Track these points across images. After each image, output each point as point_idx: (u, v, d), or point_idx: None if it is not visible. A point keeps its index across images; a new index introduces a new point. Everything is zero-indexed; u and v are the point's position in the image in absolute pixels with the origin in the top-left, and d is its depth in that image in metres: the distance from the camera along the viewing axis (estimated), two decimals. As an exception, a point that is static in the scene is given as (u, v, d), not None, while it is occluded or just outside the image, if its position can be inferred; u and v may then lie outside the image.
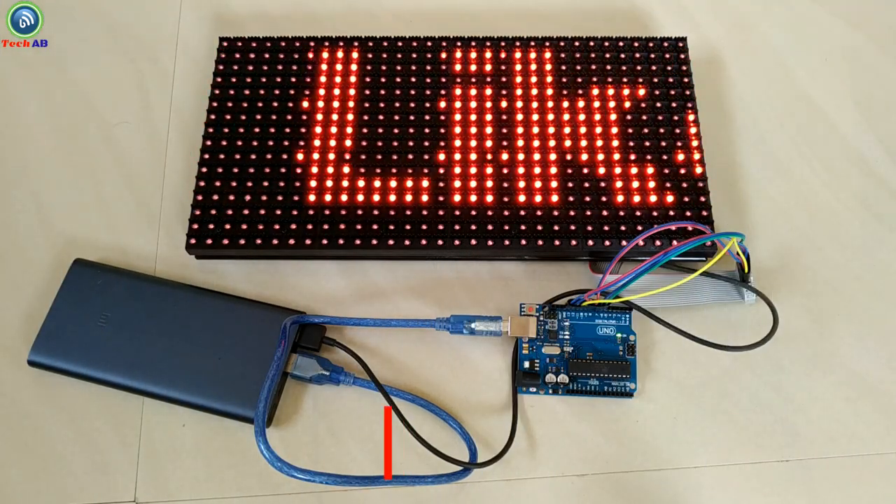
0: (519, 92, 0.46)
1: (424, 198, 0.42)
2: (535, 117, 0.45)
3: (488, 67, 0.46)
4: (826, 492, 0.38)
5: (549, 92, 0.45)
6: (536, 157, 0.44)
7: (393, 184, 0.43)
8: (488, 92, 0.46)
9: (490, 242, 0.41)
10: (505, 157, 0.44)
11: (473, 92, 0.46)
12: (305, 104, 0.45)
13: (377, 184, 0.43)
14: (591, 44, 0.47)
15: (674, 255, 0.37)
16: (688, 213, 0.42)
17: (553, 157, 0.44)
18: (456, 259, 0.43)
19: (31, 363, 0.39)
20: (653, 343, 0.41)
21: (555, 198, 0.42)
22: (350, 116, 0.45)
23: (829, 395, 0.40)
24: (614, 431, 0.39)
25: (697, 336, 0.38)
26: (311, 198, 0.42)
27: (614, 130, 0.44)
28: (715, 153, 0.46)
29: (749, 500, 0.38)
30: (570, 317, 0.40)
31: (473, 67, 0.46)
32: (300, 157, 0.44)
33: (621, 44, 0.47)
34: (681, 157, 0.44)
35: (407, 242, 0.41)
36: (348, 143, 0.44)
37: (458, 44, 0.47)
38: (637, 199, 0.42)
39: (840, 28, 0.52)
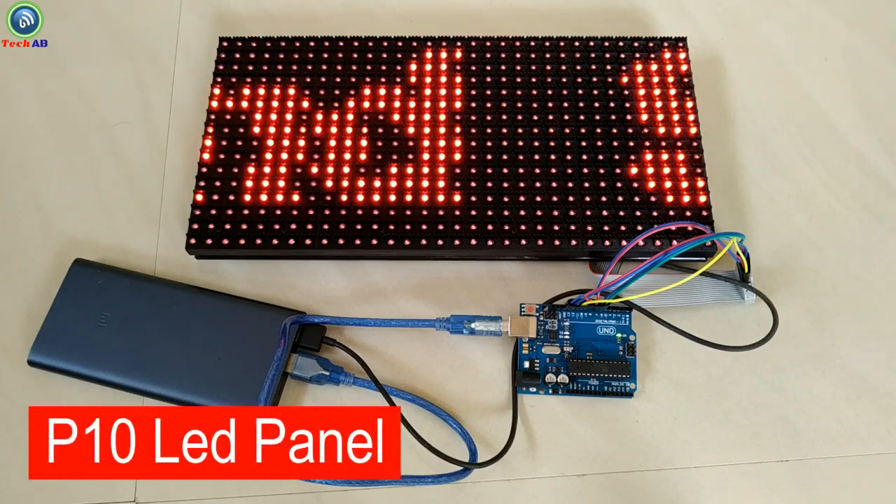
0: (519, 92, 0.46)
1: (424, 198, 0.42)
2: (536, 117, 0.45)
3: (488, 67, 0.46)
4: (826, 492, 0.38)
5: (550, 92, 0.45)
6: (536, 157, 0.44)
7: (393, 184, 0.43)
8: (488, 92, 0.46)
9: (490, 242, 0.41)
10: (505, 156, 0.44)
11: (473, 92, 0.46)
12: (305, 104, 0.45)
13: (377, 184, 0.43)
14: (591, 44, 0.47)
15: (674, 255, 0.37)
16: (688, 213, 0.42)
17: (553, 156, 0.44)
18: (456, 259, 0.43)
19: (31, 363, 0.39)
20: (653, 343, 0.41)
21: (555, 198, 0.42)
22: (350, 116, 0.45)
23: (829, 395, 0.40)
24: (614, 431, 0.39)
25: (697, 336, 0.38)
26: (311, 198, 0.42)
27: (614, 130, 0.44)
28: (715, 153, 0.46)
29: (749, 500, 0.38)
30: (570, 317, 0.40)
31: (473, 67, 0.46)
32: (300, 157, 0.44)
33: (621, 44, 0.47)
34: (681, 157, 0.43)
35: (407, 242, 0.41)
36: (348, 143, 0.44)
37: (459, 44, 0.47)
38: (637, 199, 0.42)
39: (840, 28, 0.52)
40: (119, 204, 0.45)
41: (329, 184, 0.43)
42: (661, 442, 0.39)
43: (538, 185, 0.43)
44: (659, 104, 0.45)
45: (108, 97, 0.48)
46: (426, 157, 0.44)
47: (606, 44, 0.47)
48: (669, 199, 0.42)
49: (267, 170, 0.43)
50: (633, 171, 0.43)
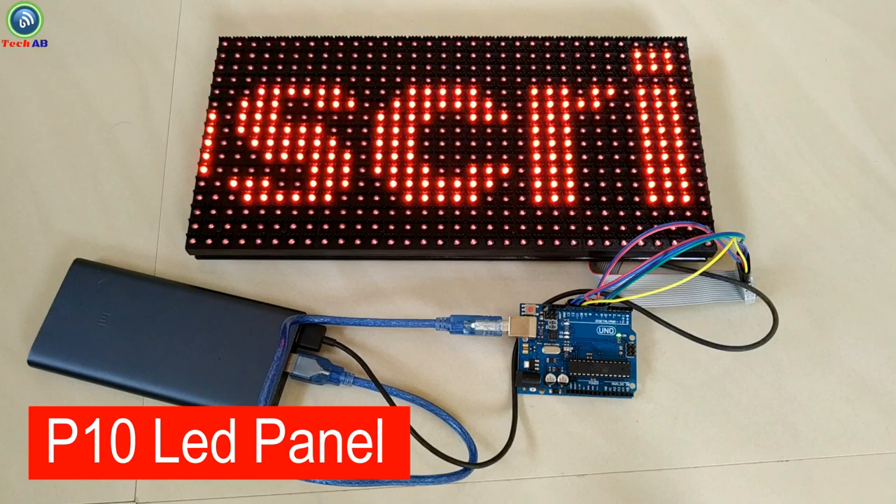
0: (519, 92, 0.46)
1: (425, 198, 0.42)
2: (535, 117, 0.45)
3: (488, 67, 0.46)
4: (826, 492, 0.38)
5: (549, 92, 0.45)
6: (536, 157, 0.44)
7: (393, 184, 0.43)
8: (488, 92, 0.46)
9: (490, 242, 0.41)
10: (505, 157, 0.44)
11: (473, 92, 0.46)
12: (305, 104, 0.45)
13: (377, 184, 0.43)
14: (591, 44, 0.47)
15: (674, 255, 0.37)
16: (688, 213, 0.42)
17: (553, 157, 0.44)
18: (456, 259, 0.43)
19: (31, 363, 0.39)
20: (653, 343, 0.41)
21: (555, 198, 0.42)
22: (350, 117, 0.45)
23: (829, 395, 0.40)
24: (614, 431, 0.39)
25: (697, 336, 0.38)
26: (311, 198, 0.42)
27: (614, 130, 0.44)
28: (715, 153, 0.46)
29: (749, 500, 0.38)
30: (570, 317, 0.40)
31: (473, 68, 0.46)
32: (300, 157, 0.44)
33: (621, 44, 0.47)
34: (681, 157, 0.43)
35: (407, 242, 0.41)
36: (348, 143, 0.44)
37: (458, 44, 0.47)
38: (637, 199, 0.42)
39: (840, 28, 0.52)
40: (119, 204, 0.45)
41: (329, 183, 0.43)
42: (660, 442, 0.39)
43: (538, 184, 0.43)
44: (659, 104, 0.45)
45: (108, 97, 0.48)
46: (426, 156, 0.44)
47: (606, 44, 0.47)
48: (669, 199, 0.42)
49: (267, 170, 0.43)
50: (633, 171, 0.43)
